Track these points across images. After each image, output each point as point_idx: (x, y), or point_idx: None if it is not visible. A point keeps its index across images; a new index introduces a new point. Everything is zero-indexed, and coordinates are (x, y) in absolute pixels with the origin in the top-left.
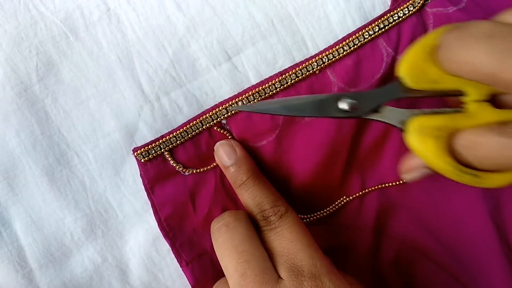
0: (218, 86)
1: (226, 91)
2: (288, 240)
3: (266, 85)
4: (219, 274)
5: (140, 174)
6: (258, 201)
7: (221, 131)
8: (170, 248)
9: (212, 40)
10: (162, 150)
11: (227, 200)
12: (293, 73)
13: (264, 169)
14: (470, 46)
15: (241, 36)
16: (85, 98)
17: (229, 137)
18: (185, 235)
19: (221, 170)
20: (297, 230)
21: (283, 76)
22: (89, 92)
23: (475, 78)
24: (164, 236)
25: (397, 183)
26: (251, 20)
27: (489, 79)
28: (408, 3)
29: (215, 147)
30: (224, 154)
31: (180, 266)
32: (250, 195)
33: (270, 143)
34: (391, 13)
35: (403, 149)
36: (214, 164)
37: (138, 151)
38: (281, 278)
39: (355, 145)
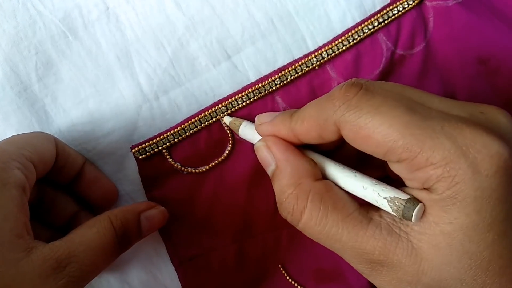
0: (217, 85)
1: (225, 90)
2: None
3: (266, 82)
4: (212, 278)
5: (139, 172)
6: None
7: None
8: None
9: (211, 39)
10: (160, 148)
11: (228, 202)
12: (293, 69)
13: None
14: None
15: (240, 35)
16: (84, 98)
17: (229, 134)
18: (181, 235)
19: (221, 170)
20: None
21: (283, 73)
22: (88, 92)
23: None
24: (160, 234)
25: None
26: (251, 19)
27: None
28: None
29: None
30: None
31: (173, 265)
32: None
33: None
34: (391, 7)
35: None
36: (214, 163)
37: (136, 148)
38: None
39: None
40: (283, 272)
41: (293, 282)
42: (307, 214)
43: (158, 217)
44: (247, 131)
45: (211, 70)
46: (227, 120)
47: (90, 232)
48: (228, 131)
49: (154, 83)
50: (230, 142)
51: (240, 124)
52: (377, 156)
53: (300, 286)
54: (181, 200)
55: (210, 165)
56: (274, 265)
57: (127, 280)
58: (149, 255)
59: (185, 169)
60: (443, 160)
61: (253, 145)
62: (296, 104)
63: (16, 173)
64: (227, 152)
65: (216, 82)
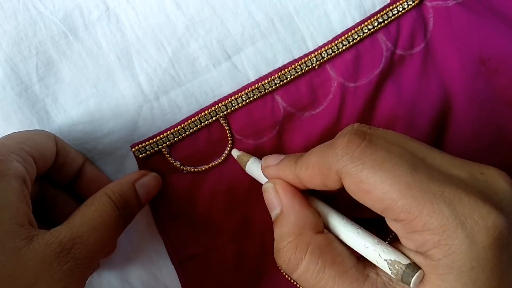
0: (217, 86)
1: (225, 91)
2: None
3: (266, 81)
4: (212, 277)
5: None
6: None
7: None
8: None
9: (211, 39)
10: (160, 147)
11: (228, 201)
12: (292, 68)
13: None
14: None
15: (240, 35)
16: (85, 98)
17: (228, 134)
18: (181, 234)
19: (221, 170)
20: None
21: (283, 72)
22: (88, 92)
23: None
24: (160, 233)
25: None
26: (251, 19)
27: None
28: None
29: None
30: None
31: (173, 265)
32: None
33: (271, 140)
34: (391, 7)
35: None
36: (214, 163)
37: (136, 147)
38: None
39: None
40: (282, 271)
41: (292, 281)
42: (305, 266)
43: (153, 183)
44: (254, 169)
45: (211, 70)
46: (234, 153)
47: (90, 211)
48: (228, 131)
49: (155, 83)
50: (230, 141)
51: (247, 161)
52: (375, 211)
53: (300, 285)
54: (181, 199)
55: (210, 165)
56: (273, 264)
57: (128, 280)
58: (149, 254)
59: (185, 168)
60: (440, 227)
61: (253, 146)
62: (296, 103)
63: (16, 165)
64: (227, 151)
65: (216, 82)
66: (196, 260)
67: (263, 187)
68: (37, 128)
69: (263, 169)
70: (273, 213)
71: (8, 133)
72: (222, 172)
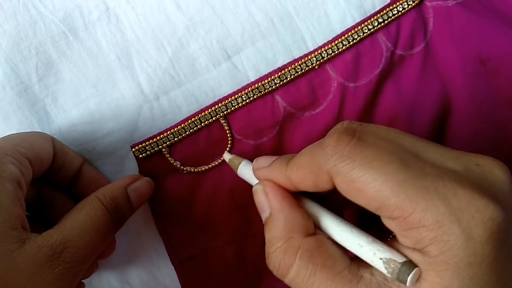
0: (217, 86)
1: (225, 91)
2: None
3: (266, 81)
4: (212, 277)
5: (139, 171)
6: None
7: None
8: None
9: (211, 39)
10: (160, 147)
11: (227, 201)
12: (292, 68)
13: None
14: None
15: (240, 35)
16: (85, 98)
17: (228, 134)
18: (180, 234)
19: (221, 170)
20: None
21: (282, 72)
22: (88, 92)
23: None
24: (159, 233)
25: None
26: (251, 19)
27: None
28: None
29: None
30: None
31: (172, 265)
32: None
33: (271, 140)
34: (391, 7)
35: None
36: (214, 163)
37: (136, 147)
38: None
39: None
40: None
41: None
42: (295, 271)
43: (145, 188)
44: (246, 171)
45: (211, 70)
46: (226, 157)
47: (81, 215)
48: (228, 131)
49: (155, 84)
50: (230, 141)
51: (239, 163)
52: (369, 209)
53: None
54: (181, 199)
55: (210, 165)
56: None
57: (128, 280)
58: (149, 255)
59: (185, 169)
60: (436, 223)
61: (253, 147)
62: (296, 103)
63: (10, 167)
64: (227, 151)
65: (216, 82)
66: (196, 260)
67: (253, 189)
68: (37, 128)
69: (254, 171)
70: (263, 216)
71: (7, 134)
72: (222, 172)
